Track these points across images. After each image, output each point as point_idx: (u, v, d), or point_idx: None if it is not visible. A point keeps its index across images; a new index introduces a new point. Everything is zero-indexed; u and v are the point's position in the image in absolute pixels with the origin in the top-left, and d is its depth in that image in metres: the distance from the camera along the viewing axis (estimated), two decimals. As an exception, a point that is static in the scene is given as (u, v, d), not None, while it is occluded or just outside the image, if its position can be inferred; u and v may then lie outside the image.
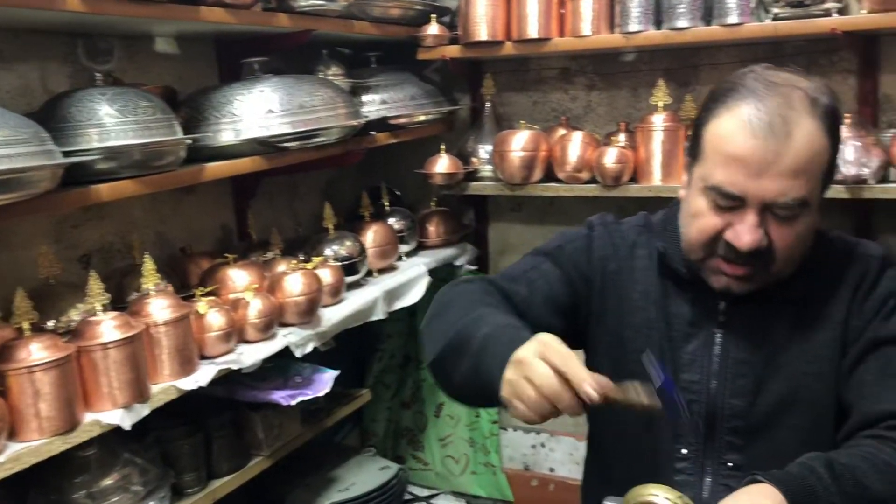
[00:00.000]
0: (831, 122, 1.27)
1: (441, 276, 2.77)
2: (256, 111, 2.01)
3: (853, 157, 2.02)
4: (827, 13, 2.07)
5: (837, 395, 1.32)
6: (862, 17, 2.03)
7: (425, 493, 2.92)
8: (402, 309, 2.51)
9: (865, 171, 2.03)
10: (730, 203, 1.25)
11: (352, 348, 2.89)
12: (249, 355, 1.87)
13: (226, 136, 1.99)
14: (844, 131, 2.04)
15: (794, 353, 1.33)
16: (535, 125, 2.69)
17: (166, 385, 1.72)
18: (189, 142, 1.83)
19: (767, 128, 1.21)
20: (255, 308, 1.91)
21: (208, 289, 1.93)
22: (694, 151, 1.34)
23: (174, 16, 1.82)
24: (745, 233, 1.24)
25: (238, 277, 2.01)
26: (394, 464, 2.47)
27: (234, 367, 1.82)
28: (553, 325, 1.36)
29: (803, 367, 1.32)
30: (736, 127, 1.24)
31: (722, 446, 1.35)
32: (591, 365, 1.44)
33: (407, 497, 2.84)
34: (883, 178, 2.11)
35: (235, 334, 1.88)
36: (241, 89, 2.05)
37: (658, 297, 1.41)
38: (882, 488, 1.16)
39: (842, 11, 2.10)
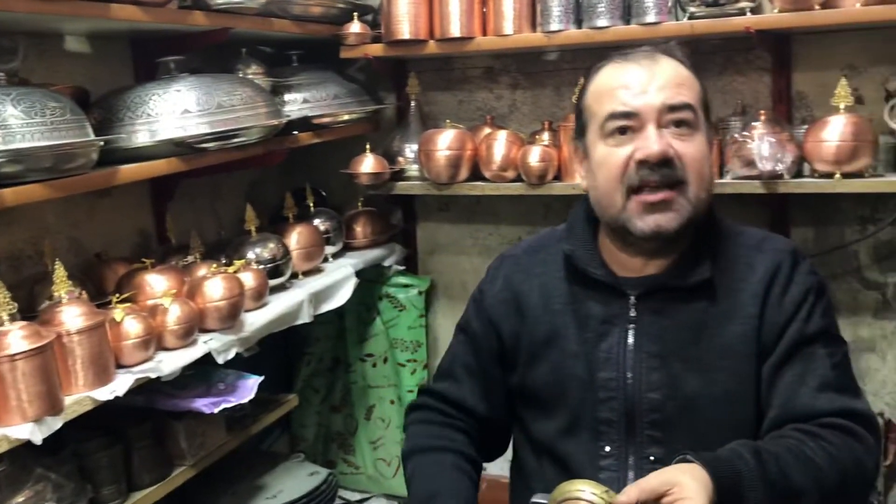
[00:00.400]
0: (692, 67, 1.37)
1: (369, 276, 2.75)
2: (173, 111, 1.95)
3: (768, 152, 2.06)
4: (741, 12, 2.11)
5: (758, 391, 1.34)
6: (774, 16, 2.08)
7: (357, 496, 2.90)
8: (331, 311, 2.47)
9: (780, 167, 2.08)
10: (627, 123, 1.31)
11: (279, 352, 2.84)
12: (169, 363, 1.82)
13: (141, 137, 1.93)
14: (760, 127, 2.10)
15: (704, 347, 1.34)
16: (461, 124, 2.68)
17: (81, 396, 1.65)
18: (101, 143, 1.77)
19: (638, 57, 1.35)
20: (173, 314, 1.86)
21: (125, 295, 1.87)
22: (580, 126, 1.41)
23: (83, 13, 1.76)
24: (651, 143, 1.28)
25: (156, 283, 1.95)
26: (323, 469, 2.44)
27: (153, 375, 1.77)
28: (494, 390, 1.50)
29: (715, 361, 1.34)
30: (610, 71, 1.36)
31: (643, 441, 1.36)
32: (528, 383, 1.46)
33: (338, 502, 2.81)
34: (797, 173, 2.17)
35: (154, 342, 1.82)
36: (156, 89, 1.99)
37: (565, 303, 1.43)
38: (801, 480, 1.21)
39: (755, 11, 2.14)
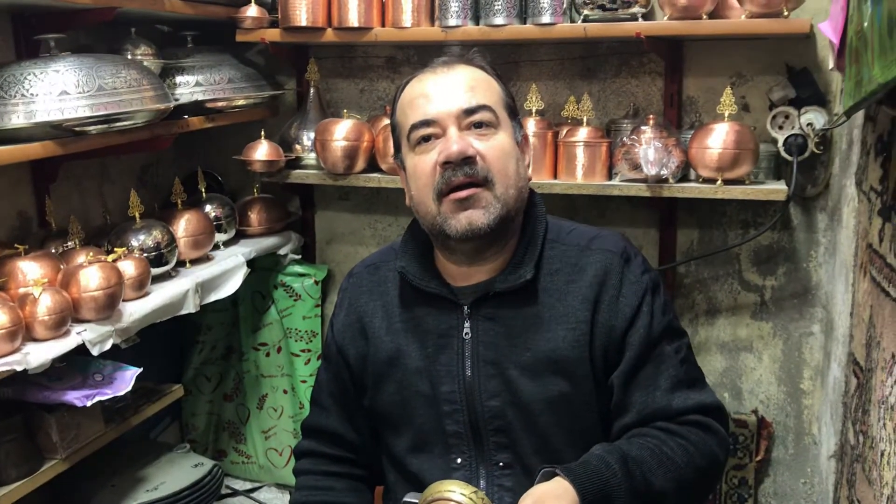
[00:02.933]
0: (491, 71, 1.42)
1: (264, 265, 2.72)
2: (50, 92, 1.88)
3: (654, 157, 2.11)
4: (633, 17, 2.14)
5: (597, 393, 1.36)
6: (664, 23, 2.12)
7: (247, 486, 2.87)
8: (225, 299, 2.43)
9: (665, 172, 2.13)
10: (428, 130, 1.34)
11: (170, 340, 2.78)
12: (37, 355, 1.75)
13: (15, 118, 1.85)
14: (648, 132, 2.15)
15: (536, 352, 1.36)
16: (363, 113, 2.67)
17: (-63, 390, 1.58)
18: (-34, 125, 1.69)
19: (434, 69, 1.39)
20: (44, 304, 1.79)
21: (-7, 283, 1.80)
22: (396, 143, 1.44)
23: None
24: (451, 144, 1.32)
25: (29, 270, 1.88)
26: (209, 460, 2.39)
27: (19, 368, 1.70)
28: (357, 414, 1.52)
29: (547, 365, 1.36)
30: (411, 86, 1.40)
31: (490, 448, 1.38)
32: (378, 404, 1.48)
33: (227, 491, 2.78)
34: (683, 178, 2.23)
35: (21, 332, 1.75)
36: (32, 68, 1.91)
37: (405, 321, 1.44)
38: (662, 484, 1.27)
39: (647, 17, 2.18)
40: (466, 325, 1.39)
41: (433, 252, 1.46)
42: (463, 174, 1.31)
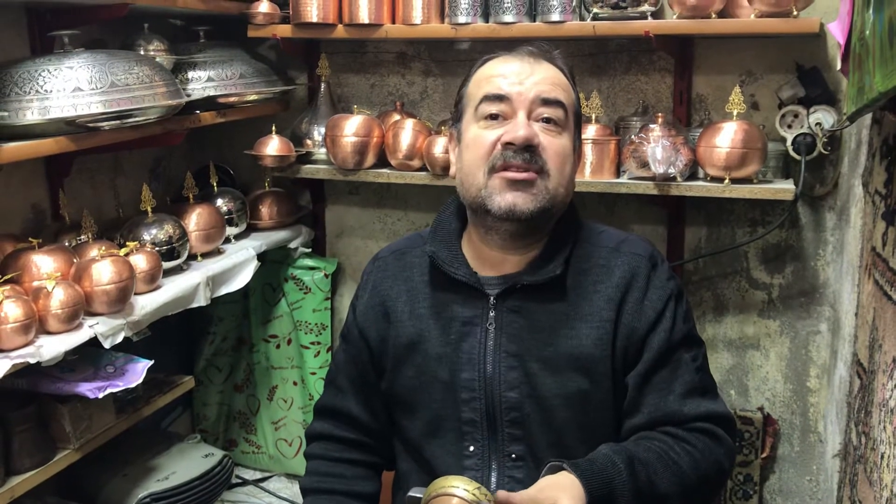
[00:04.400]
0: (570, 76, 1.46)
1: (275, 258, 2.74)
2: (64, 89, 1.90)
3: (662, 155, 2.11)
4: (642, 16, 2.15)
5: (614, 392, 1.38)
6: (672, 21, 2.12)
7: (257, 475, 2.90)
8: (236, 291, 2.45)
9: (673, 170, 2.13)
10: (499, 107, 1.36)
11: (182, 331, 2.82)
12: (50, 348, 1.78)
13: (30, 114, 1.88)
14: (656, 130, 2.15)
15: (559, 348, 1.37)
16: (373, 108, 2.69)
17: (-47, 381, 1.62)
18: (-19, 121, 1.71)
19: (520, 55, 1.41)
20: (57, 298, 1.82)
21: (6, 276, 1.82)
22: (458, 112, 1.45)
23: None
24: (518, 128, 1.34)
25: (43, 263, 1.91)
26: (219, 451, 2.43)
27: (32, 360, 1.73)
28: (374, 398, 1.53)
29: (569, 361, 1.37)
30: (494, 63, 1.42)
31: (504, 439, 1.40)
32: (396, 387, 1.49)
33: (237, 481, 2.82)
34: (691, 176, 2.23)
35: (35, 326, 1.79)
36: (46, 65, 1.94)
37: (429, 307, 1.45)
38: (667, 487, 1.29)
39: (657, 15, 2.19)
40: (491, 315, 1.40)
41: (462, 240, 1.47)
42: (522, 159, 1.33)
